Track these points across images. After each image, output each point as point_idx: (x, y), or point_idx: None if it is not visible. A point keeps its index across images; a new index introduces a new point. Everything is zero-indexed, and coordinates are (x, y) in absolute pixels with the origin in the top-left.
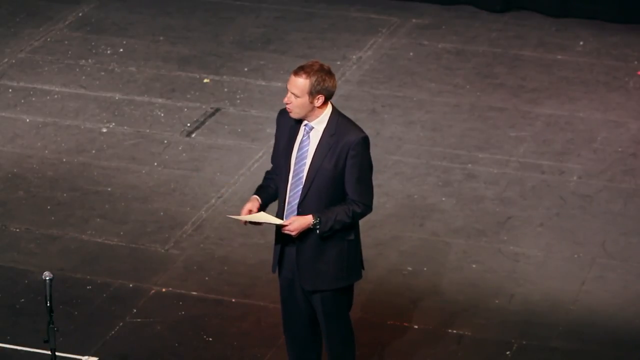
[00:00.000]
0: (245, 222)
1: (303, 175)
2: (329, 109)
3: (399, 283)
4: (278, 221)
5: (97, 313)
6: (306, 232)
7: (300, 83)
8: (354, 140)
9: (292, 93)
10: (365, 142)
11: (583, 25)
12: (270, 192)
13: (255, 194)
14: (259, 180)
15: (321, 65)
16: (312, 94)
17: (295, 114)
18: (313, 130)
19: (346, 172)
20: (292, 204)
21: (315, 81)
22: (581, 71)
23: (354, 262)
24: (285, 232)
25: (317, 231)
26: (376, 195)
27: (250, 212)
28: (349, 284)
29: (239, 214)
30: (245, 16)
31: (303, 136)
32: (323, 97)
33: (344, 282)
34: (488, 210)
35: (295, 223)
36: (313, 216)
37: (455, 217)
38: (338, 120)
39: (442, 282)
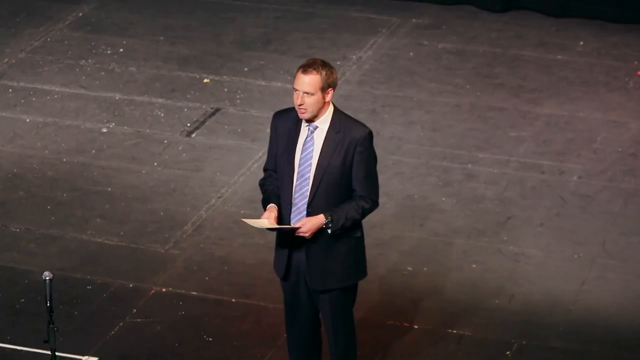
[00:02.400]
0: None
1: (310, 176)
2: (331, 108)
3: (399, 283)
4: (290, 227)
5: (97, 313)
6: (316, 232)
7: (313, 80)
8: (361, 136)
9: (305, 92)
10: (371, 136)
11: (583, 25)
12: (278, 199)
13: (267, 203)
14: (258, 181)
15: (322, 60)
16: (324, 89)
17: (308, 114)
18: (317, 129)
19: (354, 168)
20: (299, 205)
21: (325, 75)
22: (581, 71)
23: (361, 260)
24: (299, 234)
25: (330, 230)
26: None
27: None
28: (357, 281)
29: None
30: (245, 16)
31: (307, 137)
32: (332, 92)
33: (352, 280)
34: (488, 210)
35: (308, 224)
36: (325, 215)
37: (455, 217)
38: (341, 118)
39: (442, 282)
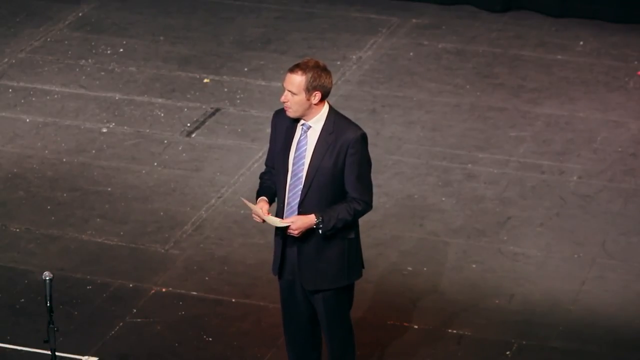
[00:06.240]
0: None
1: (302, 175)
2: (325, 108)
3: (399, 283)
4: (280, 222)
5: (97, 313)
6: (307, 232)
7: (297, 80)
8: (352, 138)
9: (289, 91)
10: (363, 139)
11: (583, 25)
12: (272, 192)
13: (259, 195)
14: (258, 180)
15: (316, 62)
16: (309, 90)
17: (293, 112)
18: (311, 129)
19: (346, 170)
20: (292, 204)
21: (311, 77)
22: (581, 71)
23: (354, 261)
24: (288, 232)
25: (320, 231)
26: (376, 195)
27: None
28: (350, 282)
29: (247, 218)
30: (245, 16)
31: (300, 136)
32: (320, 94)
33: (345, 281)
34: (488, 210)
35: (298, 222)
36: (316, 215)
37: (455, 217)
38: (335, 119)
39: (442, 282)
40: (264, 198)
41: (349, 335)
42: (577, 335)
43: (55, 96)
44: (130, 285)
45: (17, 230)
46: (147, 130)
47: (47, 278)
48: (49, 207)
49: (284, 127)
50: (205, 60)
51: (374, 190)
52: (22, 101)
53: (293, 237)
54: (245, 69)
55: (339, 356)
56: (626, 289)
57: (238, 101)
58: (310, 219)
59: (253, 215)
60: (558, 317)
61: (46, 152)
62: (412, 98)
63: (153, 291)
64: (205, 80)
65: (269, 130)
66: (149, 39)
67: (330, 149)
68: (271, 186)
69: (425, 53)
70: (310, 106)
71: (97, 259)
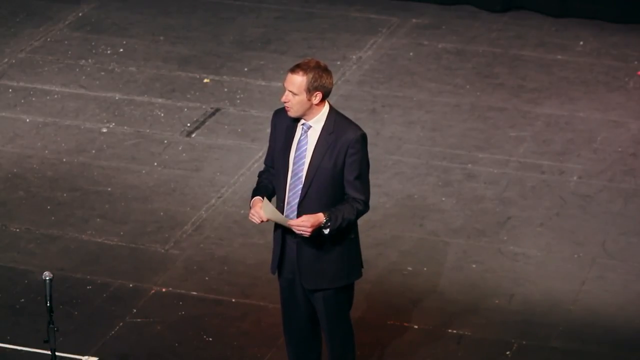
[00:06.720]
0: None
1: (302, 175)
2: (326, 108)
3: (399, 283)
4: (287, 221)
5: (97, 313)
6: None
7: (298, 80)
8: (353, 138)
9: (290, 91)
10: (363, 139)
11: (583, 25)
12: (269, 191)
13: (255, 194)
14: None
15: (317, 63)
16: (310, 91)
17: (293, 112)
18: (311, 129)
19: (346, 170)
20: (292, 203)
21: (312, 78)
22: (581, 71)
23: (354, 261)
24: (300, 231)
25: (327, 230)
26: (376, 195)
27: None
28: (350, 282)
29: (247, 218)
30: (245, 16)
31: (301, 135)
32: (321, 94)
33: (345, 280)
34: (488, 210)
35: (312, 219)
36: (324, 214)
37: (455, 217)
38: (336, 119)
39: (442, 282)
40: (259, 198)
41: (349, 335)
42: (577, 335)
43: (55, 96)
44: (130, 285)
45: (17, 230)
46: (147, 130)
47: (47, 278)
48: (49, 207)
49: (284, 126)
50: (205, 60)
51: (374, 190)
52: (22, 101)
53: (292, 235)
54: (245, 69)
55: (339, 356)
56: (626, 289)
57: (238, 101)
58: (319, 218)
59: (250, 216)
60: (558, 317)
61: (46, 152)
62: (412, 98)
63: (153, 291)
64: (205, 80)
65: (268, 130)
66: (149, 39)
67: (330, 148)
68: (268, 185)
69: (425, 53)
70: (311, 106)
71: (97, 259)
